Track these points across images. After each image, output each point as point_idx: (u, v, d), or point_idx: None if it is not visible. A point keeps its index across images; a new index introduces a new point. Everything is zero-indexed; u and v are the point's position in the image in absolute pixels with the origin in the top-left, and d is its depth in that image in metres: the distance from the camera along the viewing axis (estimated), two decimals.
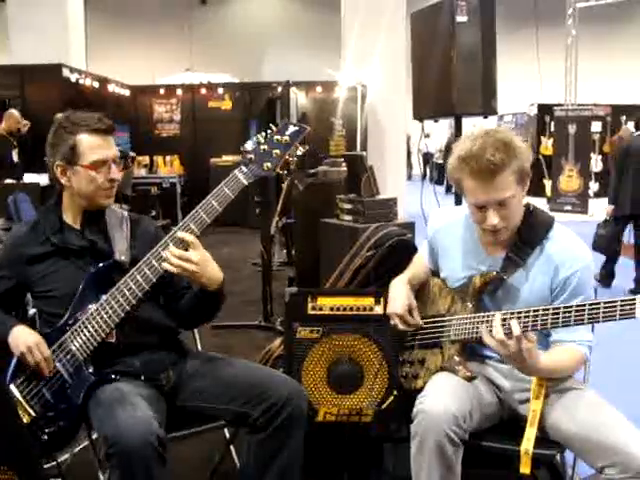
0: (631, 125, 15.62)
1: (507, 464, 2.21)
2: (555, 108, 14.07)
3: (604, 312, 1.93)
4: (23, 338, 2.27)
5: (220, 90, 13.33)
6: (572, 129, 13.07)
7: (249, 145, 2.30)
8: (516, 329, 2.02)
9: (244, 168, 2.27)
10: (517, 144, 2.18)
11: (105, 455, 2.05)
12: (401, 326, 2.50)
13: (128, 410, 2.08)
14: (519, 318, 2.08)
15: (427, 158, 22.22)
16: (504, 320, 2.09)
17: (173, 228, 2.26)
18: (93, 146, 2.35)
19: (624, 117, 15.84)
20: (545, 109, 15.33)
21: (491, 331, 2.09)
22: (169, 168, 12.35)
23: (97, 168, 2.36)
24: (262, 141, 2.30)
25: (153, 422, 2.06)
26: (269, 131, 2.32)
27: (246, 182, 2.26)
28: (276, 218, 5.57)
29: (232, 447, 2.92)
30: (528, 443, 2.13)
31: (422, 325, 2.50)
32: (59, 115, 2.43)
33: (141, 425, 2.02)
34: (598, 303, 1.95)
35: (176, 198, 11.79)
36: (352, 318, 2.78)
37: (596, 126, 14.23)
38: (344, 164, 5.48)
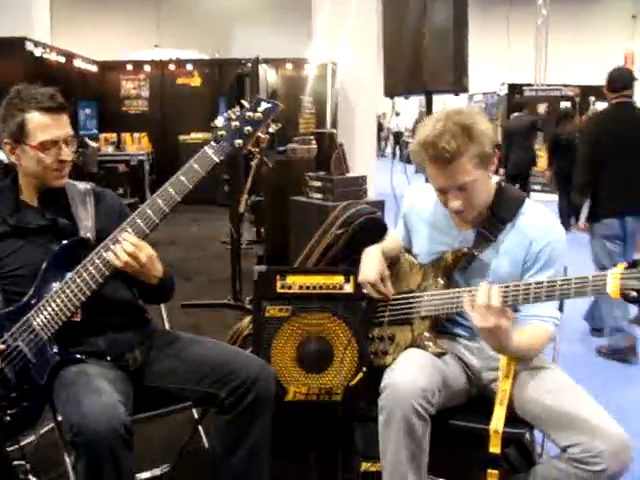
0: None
1: (476, 443, 2.20)
2: (525, 88, 14.11)
3: (575, 287, 1.92)
4: None
5: (189, 66, 13.21)
6: (542, 109, 13.12)
7: (220, 121, 2.24)
8: (495, 300, 1.99)
9: (214, 144, 2.21)
10: (478, 127, 2.14)
11: (71, 443, 2.02)
12: (374, 294, 2.48)
13: (93, 396, 2.03)
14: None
15: (398, 137, 22.26)
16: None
17: (141, 206, 2.21)
18: (42, 125, 2.25)
19: (593, 98, 15.94)
20: (515, 89, 15.36)
21: (473, 300, 2.06)
22: (137, 145, 12.22)
23: (46, 149, 2.26)
24: (233, 117, 2.23)
25: (119, 408, 2.02)
26: (240, 107, 2.26)
27: (217, 159, 2.20)
28: (245, 196, 5.50)
29: (200, 427, 2.89)
30: (498, 422, 2.13)
31: (393, 295, 2.48)
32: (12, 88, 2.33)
33: (107, 412, 1.98)
34: (569, 279, 1.94)
35: (144, 176, 11.67)
36: (321, 296, 2.76)
37: (566, 105, 14.30)
38: (314, 142, 5.44)
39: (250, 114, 2.21)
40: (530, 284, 2.03)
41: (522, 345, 2.17)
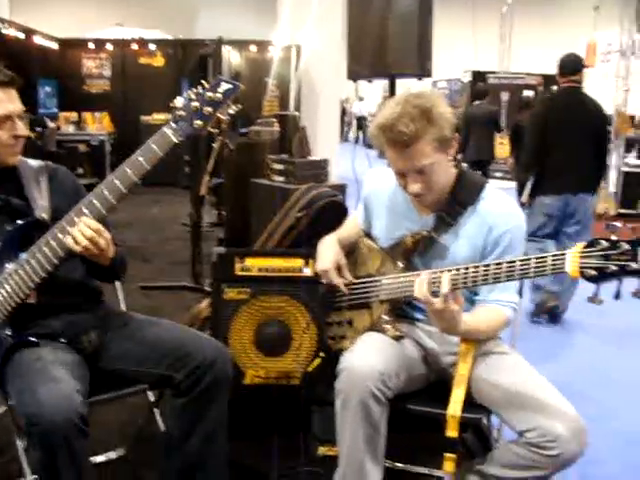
0: None
1: (434, 427, 2.21)
2: (488, 75, 14.18)
3: (535, 267, 1.93)
4: None
5: (152, 46, 13.06)
6: (505, 97, 13.23)
7: (179, 101, 2.19)
8: (445, 287, 2.00)
9: (173, 125, 2.16)
10: (437, 111, 2.13)
11: (26, 432, 1.99)
12: (335, 279, 2.45)
13: (50, 385, 1.99)
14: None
15: (361, 122, 22.28)
16: (434, 277, 2.07)
17: (97, 187, 2.16)
18: None
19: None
20: (479, 76, 15.44)
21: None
22: (98, 125, 12.04)
23: (1, 124, 2.20)
24: (193, 98, 2.18)
25: (76, 397, 1.98)
26: (200, 87, 2.21)
27: (175, 139, 2.15)
28: (207, 178, 5.45)
29: (156, 410, 2.86)
30: (455, 407, 2.13)
31: (353, 281, 2.47)
32: None
33: (63, 403, 1.94)
34: (529, 258, 1.95)
35: (105, 156, 11.51)
36: (281, 279, 2.74)
37: (528, 94, 14.41)
38: (276, 124, 5.41)
39: (210, 94, 2.16)
40: (489, 265, 2.03)
41: (475, 327, 2.19)
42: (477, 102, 10.38)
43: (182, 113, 2.17)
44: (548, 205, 4.98)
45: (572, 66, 5.08)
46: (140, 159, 2.13)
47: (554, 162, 4.95)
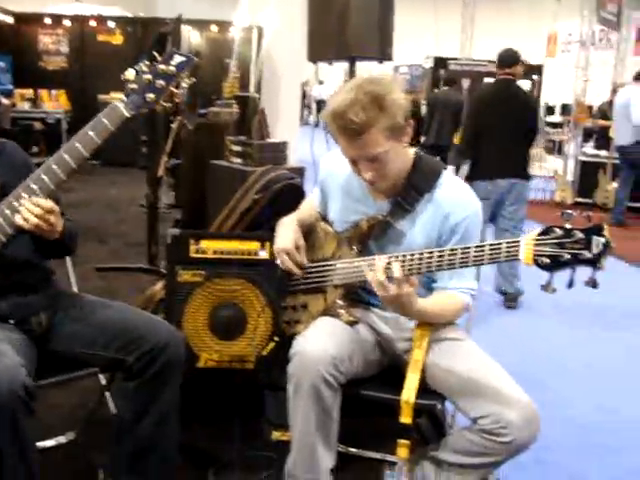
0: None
1: (388, 413, 2.20)
2: (450, 62, 14.24)
3: (489, 254, 1.93)
4: None
5: (111, 24, 12.85)
6: (465, 84, 13.28)
7: (131, 74, 2.13)
8: (397, 271, 1.99)
9: (125, 98, 2.10)
10: (390, 97, 2.08)
11: None
12: (289, 264, 2.42)
13: None
14: (403, 261, 2.04)
15: (321, 105, 22.27)
16: (388, 263, 2.05)
17: (45, 162, 2.09)
18: None
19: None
20: (440, 62, 15.49)
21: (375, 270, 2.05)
22: (54, 103, 11.83)
23: None
24: (145, 70, 2.12)
25: (20, 370, 1.92)
26: (153, 60, 2.14)
27: (127, 113, 2.09)
28: (164, 159, 5.37)
29: (108, 394, 2.81)
30: (409, 393, 2.12)
31: (307, 265, 2.43)
32: None
33: (7, 375, 1.88)
34: (483, 245, 1.95)
35: (61, 135, 11.32)
36: (236, 262, 2.70)
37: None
38: (236, 105, 5.34)
39: (163, 67, 2.10)
40: (444, 251, 2.02)
41: (430, 310, 2.19)
42: (445, 88, 10.51)
43: (134, 86, 2.11)
44: (485, 191, 5.10)
45: (509, 60, 5.32)
46: (90, 133, 2.07)
47: (489, 149, 5.19)
